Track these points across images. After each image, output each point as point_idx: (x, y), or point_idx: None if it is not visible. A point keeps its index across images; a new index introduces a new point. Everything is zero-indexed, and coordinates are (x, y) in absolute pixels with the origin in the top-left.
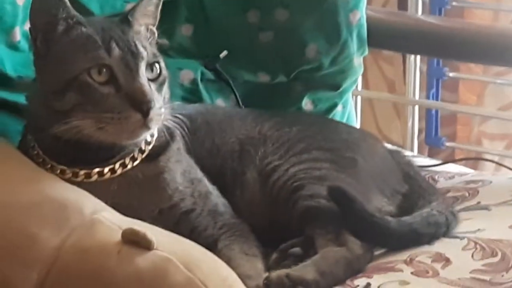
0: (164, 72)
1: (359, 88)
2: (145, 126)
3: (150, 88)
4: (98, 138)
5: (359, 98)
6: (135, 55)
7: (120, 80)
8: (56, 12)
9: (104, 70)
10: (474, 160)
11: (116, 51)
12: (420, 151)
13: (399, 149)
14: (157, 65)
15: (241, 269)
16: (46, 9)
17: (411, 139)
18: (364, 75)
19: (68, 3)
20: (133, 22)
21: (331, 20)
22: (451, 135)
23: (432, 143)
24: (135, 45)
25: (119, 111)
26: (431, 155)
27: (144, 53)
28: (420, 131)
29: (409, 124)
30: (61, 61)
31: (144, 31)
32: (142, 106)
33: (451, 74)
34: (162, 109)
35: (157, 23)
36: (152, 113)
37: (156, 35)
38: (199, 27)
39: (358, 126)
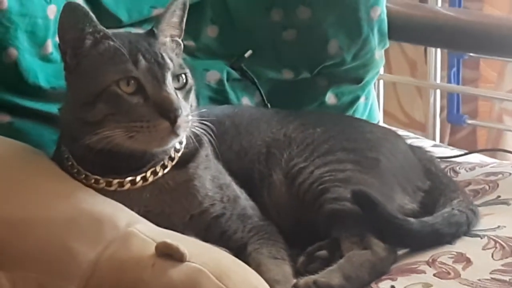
0: (190, 81)
1: (382, 71)
2: (174, 133)
3: (177, 97)
4: (129, 147)
5: (381, 81)
6: (162, 66)
7: (148, 90)
8: (83, 27)
9: (132, 81)
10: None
11: (142, 63)
12: (442, 129)
13: (421, 146)
14: (183, 75)
15: (270, 274)
16: (73, 25)
17: (433, 118)
18: (385, 56)
19: (94, 18)
20: (158, 34)
21: (352, 17)
22: (472, 112)
23: (454, 121)
24: (162, 56)
25: (148, 120)
26: (453, 132)
27: (170, 64)
28: (442, 108)
29: (431, 103)
30: (90, 74)
31: (170, 42)
32: (170, 114)
33: (471, 53)
34: (189, 116)
35: (182, 34)
36: (180, 121)
37: (182, 46)
38: (224, 28)
39: (381, 106)
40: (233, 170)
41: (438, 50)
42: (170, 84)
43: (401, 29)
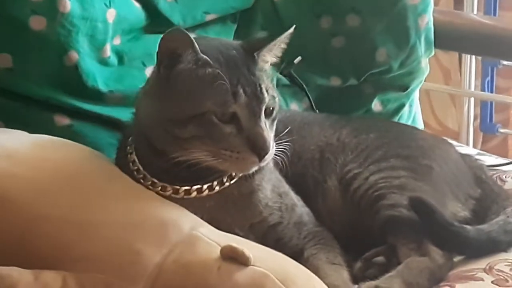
0: (277, 108)
1: None
2: (258, 165)
3: (268, 131)
4: (210, 164)
5: None
6: (260, 100)
7: (243, 123)
8: (184, 52)
9: (229, 113)
10: None
11: (242, 97)
12: (474, 137)
13: (470, 153)
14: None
15: (328, 279)
16: (174, 48)
17: (466, 126)
18: None
19: (196, 46)
20: (258, 60)
21: (401, 25)
22: (505, 120)
23: (486, 130)
24: (260, 89)
25: (238, 151)
26: (484, 141)
27: (267, 98)
28: (475, 117)
29: (465, 111)
30: (187, 95)
31: (268, 68)
32: (261, 151)
33: (505, 62)
34: (274, 147)
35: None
36: (267, 156)
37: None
38: (274, 34)
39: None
40: (287, 176)
41: (473, 58)
42: (264, 118)
43: (440, 37)
